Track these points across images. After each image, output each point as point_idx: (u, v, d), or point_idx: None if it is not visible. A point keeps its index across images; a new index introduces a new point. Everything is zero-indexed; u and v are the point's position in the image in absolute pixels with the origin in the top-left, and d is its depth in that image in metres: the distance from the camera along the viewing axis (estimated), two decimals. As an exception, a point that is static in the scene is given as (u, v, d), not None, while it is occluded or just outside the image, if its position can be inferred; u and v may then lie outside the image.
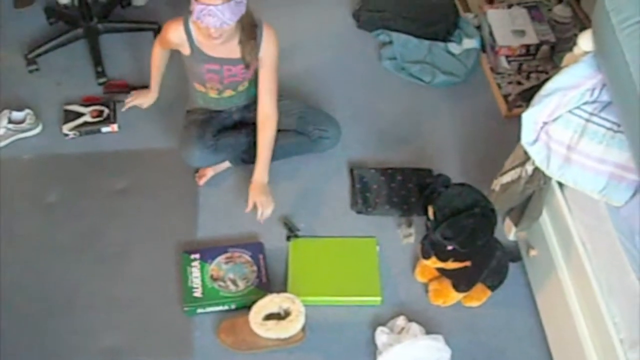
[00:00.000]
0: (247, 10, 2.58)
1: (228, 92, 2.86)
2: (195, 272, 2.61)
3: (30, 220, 2.84)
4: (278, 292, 2.47)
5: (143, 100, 3.15)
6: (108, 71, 3.42)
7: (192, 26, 2.66)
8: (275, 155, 2.80)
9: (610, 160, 2.02)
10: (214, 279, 2.59)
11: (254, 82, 2.81)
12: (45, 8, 3.77)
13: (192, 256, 2.65)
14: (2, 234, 2.77)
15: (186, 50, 2.73)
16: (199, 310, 2.53)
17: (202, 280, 2.58)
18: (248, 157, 2.90)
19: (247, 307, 2.46)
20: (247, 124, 2.90)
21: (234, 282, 2.59)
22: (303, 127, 2.95)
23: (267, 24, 2.73)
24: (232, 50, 2.70)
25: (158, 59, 2.98)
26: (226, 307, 2.55)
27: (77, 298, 2.59)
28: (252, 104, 2.85)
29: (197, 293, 2.55)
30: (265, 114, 2.77)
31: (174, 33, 2.70)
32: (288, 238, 2.74)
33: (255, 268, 2.63)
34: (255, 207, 2.71)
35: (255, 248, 2.69)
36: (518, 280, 2.59)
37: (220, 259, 2.66)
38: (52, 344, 2.47)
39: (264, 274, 2.61)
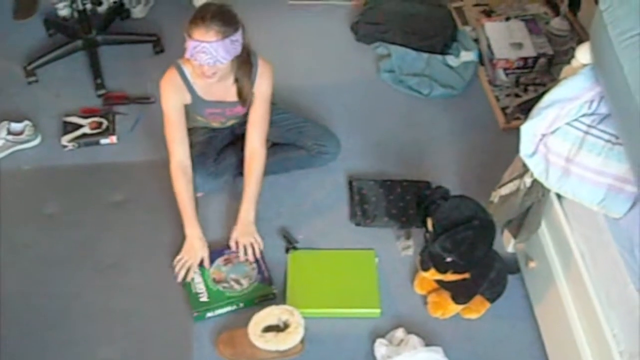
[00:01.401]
0: (244, 45, 2.54)
1: (231, 122, 2.88)
2: (197, 278, 2.62)
3: (29, 231, 2.83)
4: (277, 303, 2.47)
5: (194, 256, 2.66)
6: (107, 83, 3.43)
7: (186, 70, 2.64)
8: (274, 169, 2.80)
9: (609, 172, 2.02)
10: (217, 281, 2.61)
11: None
12: (45, 20, 3.79)
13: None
14: (0, 244, 2.77)
15: (187, 99, 2.69)
16: (209, 314, 2.54)
17: (206, 285, 2.59)
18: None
19: (255, 304, 2.52)
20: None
21: (237, 281, 2.60)
22: (302, 141, 2.95)
23: (262, 59, 2.70)
24: (228, 90, 2.69)
25: (185, 186, 2.69)
26: (234, 307, 2.56)
27: (74, 309, 2.58)
28: None
29: (204, 297, 2.56)
30: (253, 149, 2.73)
31: (172, 82, 2.64)
32: (287, 250, 2.74)
33: (254, 265, 2.64)
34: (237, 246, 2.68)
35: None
36: (517, 292, 2.59)
37: (219, 261, 2.67)
38: (50, 355, 2.46)
39: (265, 268, 2.64)
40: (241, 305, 2.57)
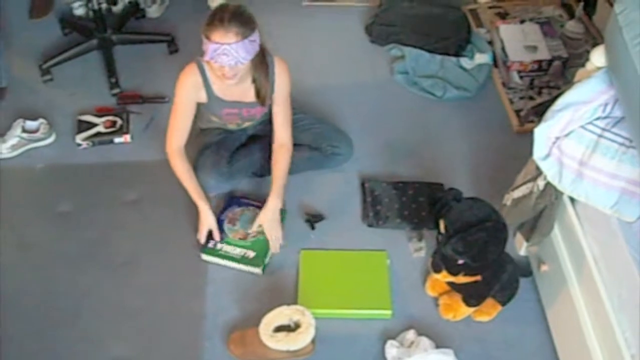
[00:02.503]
0: (260, 45, 2.55)
1: (247, 123, 2.89)
2: (230, 250, 2.71)
3: (41, 229, 2.85)
4: (288, 304, 2.47)
5: (204, 228, 2.74)
6: (122, 82, 3.44)
7: (206, 69, 2.65)
8: (287, 170, 2.80)
9: (622, 176, 2.02)
10: (244, 238, 2.73)
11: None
12: (60, 19, 3.82)
13: (210, 244, 2.73)
14: (13, 242, 2.79)
15: (203, 97, 2.70)
16: (266, 261, 2.69)
17: (242, 247, 2.71)
18: (260, 172, 2.92)
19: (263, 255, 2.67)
20: (260, 137, 2.91)
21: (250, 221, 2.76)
22: (316, 142, 2.96)
23: (278, 58, 2.71)
24: (246, 91, 2.70)
25: (184, 166, 2.76)
26: (242, 252, 2.69)
27: (85, 307, 2.60)
28: (268, 119, 2.85)
29: (251, 255, 2.68)
30: (281, 143, 2.79)
31: (190, 77, 2.65)
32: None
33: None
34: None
35: None
36: (529, 295, 2.58)
37: (226, 225, 2.78)
38: (60, 353, 2.47)
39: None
40: (250, 251, 2.69)
